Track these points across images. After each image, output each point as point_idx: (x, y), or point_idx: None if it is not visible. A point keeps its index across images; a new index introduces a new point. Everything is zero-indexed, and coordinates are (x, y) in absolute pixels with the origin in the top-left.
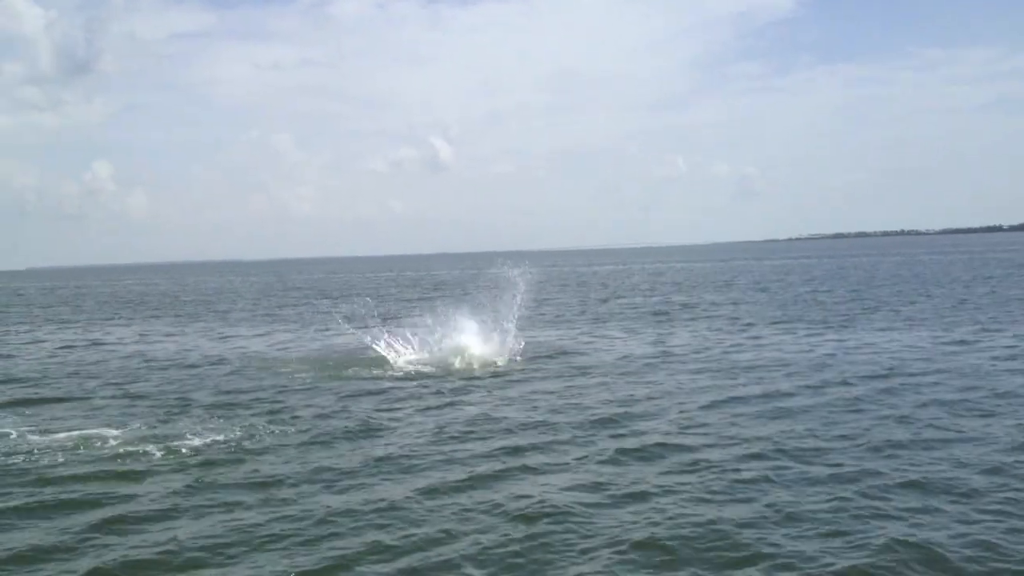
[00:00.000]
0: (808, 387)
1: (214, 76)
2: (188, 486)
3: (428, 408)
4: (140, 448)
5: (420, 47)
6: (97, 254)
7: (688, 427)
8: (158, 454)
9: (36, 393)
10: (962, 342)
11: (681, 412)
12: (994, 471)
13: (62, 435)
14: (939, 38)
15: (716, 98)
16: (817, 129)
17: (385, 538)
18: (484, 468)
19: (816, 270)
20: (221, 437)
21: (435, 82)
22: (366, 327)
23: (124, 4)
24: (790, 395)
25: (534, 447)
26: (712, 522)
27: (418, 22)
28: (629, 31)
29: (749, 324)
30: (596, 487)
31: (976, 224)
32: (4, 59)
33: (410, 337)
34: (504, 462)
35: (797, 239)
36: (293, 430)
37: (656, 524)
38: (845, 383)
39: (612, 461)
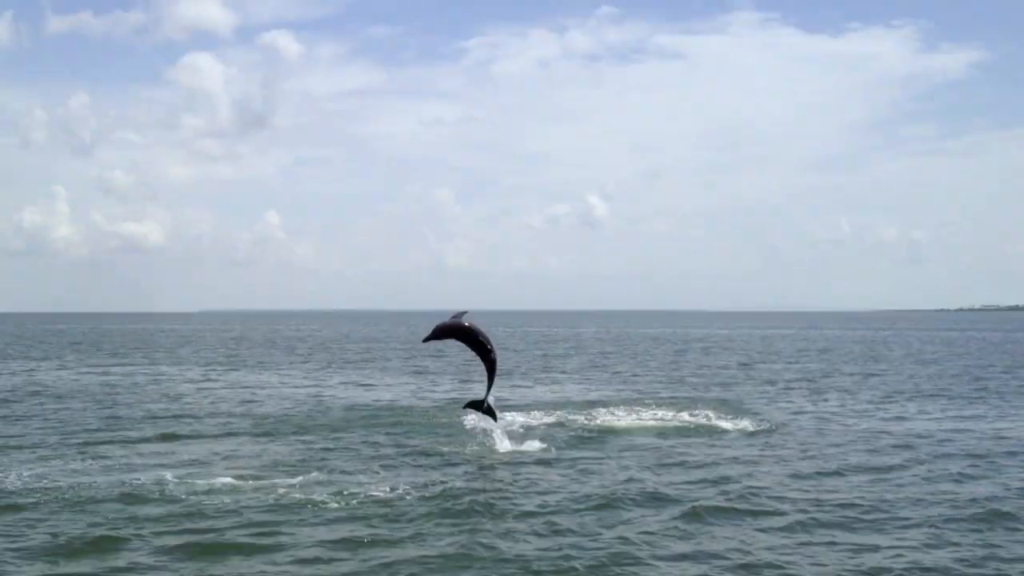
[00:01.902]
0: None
1: (380, 131)
2: (368, 540)
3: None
4: (317, 496)
5: (579, 104)
6: (264, 299)
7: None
8: (334, 504)
9: (216, 430)
10: None
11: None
12: None
13: (235, 481)
14: None
15: (884, 160)
16: (992, 194)
17: None
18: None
19: (973, 344)
20: (393, 488)
21: (593, 139)
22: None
23: (299, 62)
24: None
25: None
26: None
27: (579, 81)
28: (794, 90)
29: (890, 397)
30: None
31: None
32: (187, 114)
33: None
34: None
35: (969, 309)
36: (481, 486)
37: None
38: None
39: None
